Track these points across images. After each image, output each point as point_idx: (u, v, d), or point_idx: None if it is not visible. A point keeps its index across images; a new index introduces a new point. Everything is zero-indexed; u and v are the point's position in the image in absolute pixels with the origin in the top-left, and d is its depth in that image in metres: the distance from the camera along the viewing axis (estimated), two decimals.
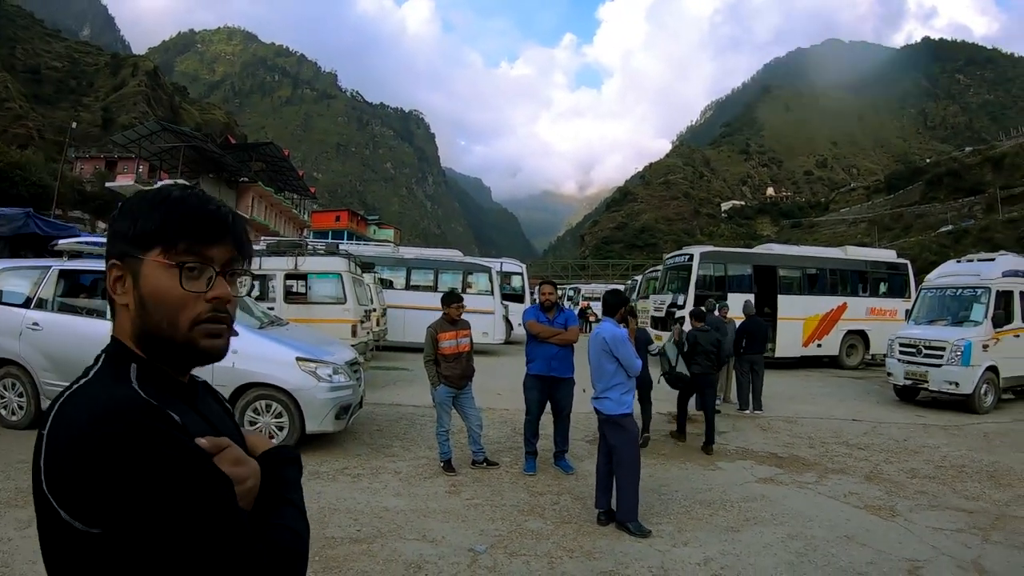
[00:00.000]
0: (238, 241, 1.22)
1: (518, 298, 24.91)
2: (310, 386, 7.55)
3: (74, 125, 60.62)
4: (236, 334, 7.01)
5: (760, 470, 7.79)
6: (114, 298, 1.17)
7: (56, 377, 7.97)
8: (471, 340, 7.48)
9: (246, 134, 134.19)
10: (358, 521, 5.54)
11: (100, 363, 1.15)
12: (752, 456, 8.52)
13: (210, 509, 0.98)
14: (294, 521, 1.16)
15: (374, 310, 16.79)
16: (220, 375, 7.39)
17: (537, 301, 7.67)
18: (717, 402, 11.61)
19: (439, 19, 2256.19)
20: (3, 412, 8.37)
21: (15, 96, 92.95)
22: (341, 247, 15.20)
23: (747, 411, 11.69)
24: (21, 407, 8.31)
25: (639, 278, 29.44)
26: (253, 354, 7.59)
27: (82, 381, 1.10)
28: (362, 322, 13.28)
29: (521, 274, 26.82)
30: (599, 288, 48.25)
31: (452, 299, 7.45)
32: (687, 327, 10.82)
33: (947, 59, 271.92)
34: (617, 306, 6.18)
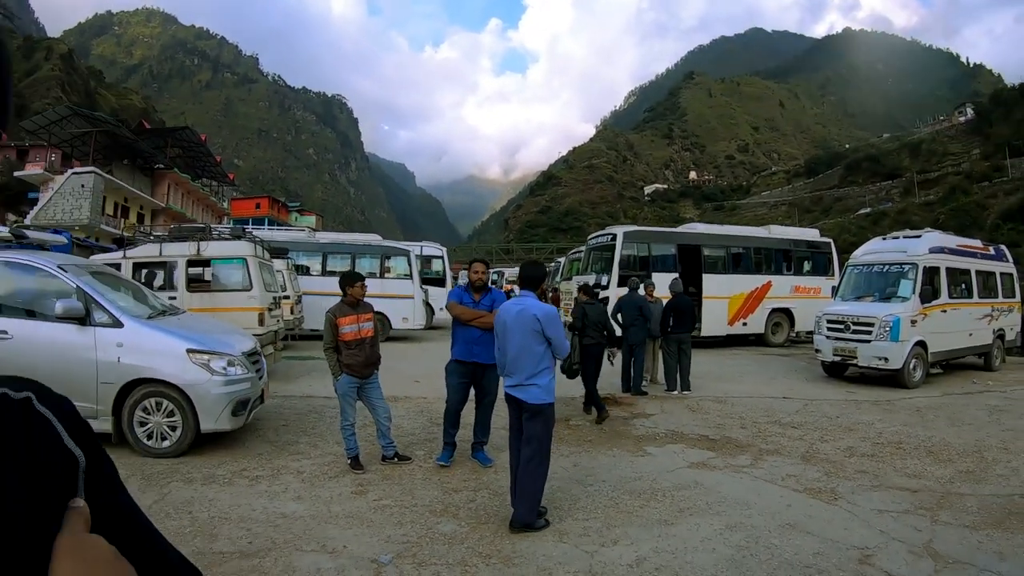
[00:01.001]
0: None
1: (439, 282, 24.81)
2: (202, 380, 6.90)
3: None
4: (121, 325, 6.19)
5: (692, 454, 7.37)
6: None
7: None
8: (375, 325, 6.90)
9: (164, 120, 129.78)
10: (251, 531, 4.96)
11: None
12: (683, 439, 8.11)
13: None
14: None
15: (286, 297, 16.11)
16: (105, 371, 6.83)
17: (459, 284, 7.14)
18: (644, 383, 11.43)
19: (365, 2, 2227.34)
20: None
21: None
22: (247, 231, 14.35)
23: (675, 392, 11.41)
24: None
25: (562, 260, 29.18)
26: (139, 347, 6.96)
27: None
28: (270, 310, 12.56)
29: (442, 257, 26.50)
30: (513, 271, 48.19)
31: (352, 279, 6.86)
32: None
33: (867, 49, 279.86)
34: (539, 280, 5.60)
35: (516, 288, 35.87)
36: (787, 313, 20.80)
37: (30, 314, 7.17)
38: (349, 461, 6.58)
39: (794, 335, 21.15)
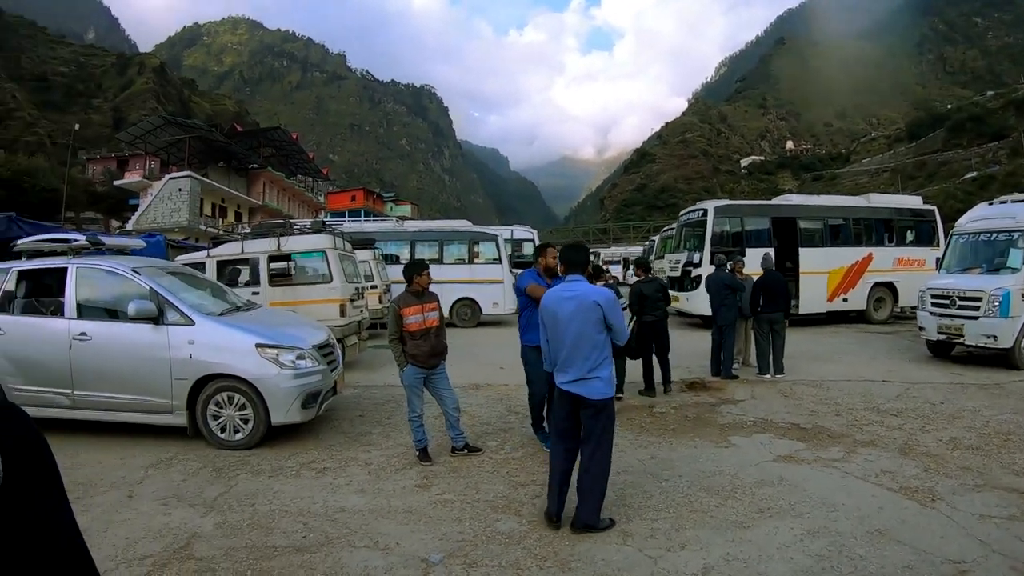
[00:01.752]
0: None
1: (531, 265, 24.26)
2: (272, 375, 6.91)
3: (76, 127, 60.40)
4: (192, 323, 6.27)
5: (779, 445, 6.76)
6: None
7: (20, 381, 7.53)
8: (440, 314, 6.71)
9: (258, 122, 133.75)
10: (307, 525, 4.88)
11: None
12: (771, 428, 7.49)
13: None
14: None
15: (373, 287, 16.22)
16: (178, 368, 6.97)
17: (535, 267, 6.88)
18: (735, 366, 10.95)
19: None
20: None
21: (24, 105, 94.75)
22: (327, 224, 14.48)
23: (767, 375, 10.75)
24: None
25: (656, 239, 28.54)
26: (210, 343, 7.07)
27: None
28: (353, 300, 12.60)
29: (532, 240, 26.12)
30: (619, 251, 47.79)
31: (417, 268, 6.67)
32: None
33: (964, 2, 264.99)
34: (584, 262, 5.14)
35: (609, 268, 35.65)
36: (890, 287, 19.72)
37: (109, 316, 7.45)
38: (417, 453, 6.44)
39: (898, 311, 20.04)
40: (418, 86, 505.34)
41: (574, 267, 4.99)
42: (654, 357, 9.67)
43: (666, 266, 20.47)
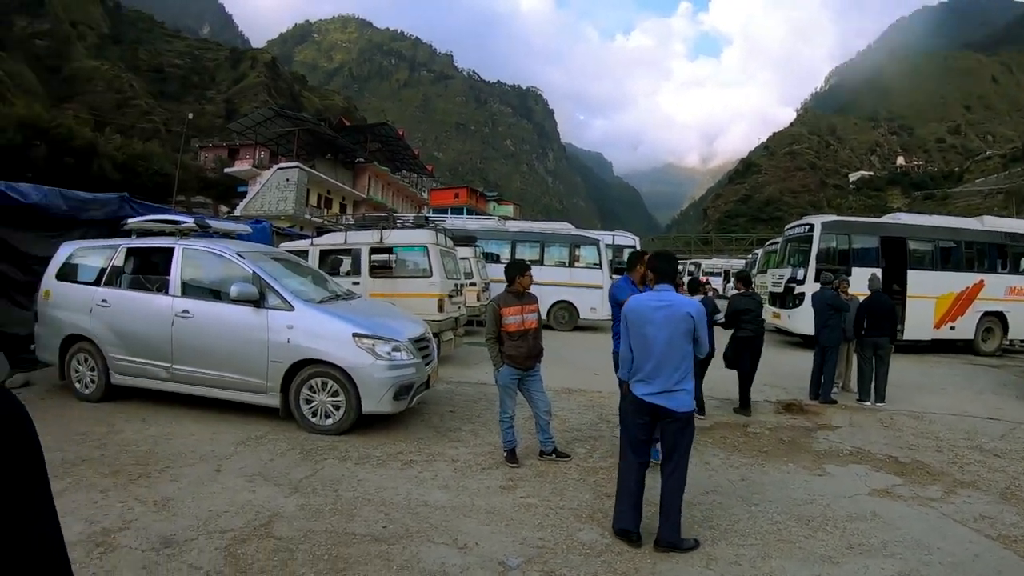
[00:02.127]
0: None
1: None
2: (367, 364, 7.00)
3: (191, 116, 63.22)
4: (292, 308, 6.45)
5: (875, 478, 6.38)
6: None
7: (124, 353, 8.00)
8: (539, 316, 6.64)
9: (365, 117, 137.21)
10: (388, 516, 4.90)
11: None
12: (868, 459, 7.09)
13: None
14: None
15: (472, 284, 16.28)
16: (275, 351, 7.17)
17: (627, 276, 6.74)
18: (835, 391, 10.53)
19: None
20: (77, 385, 8.36)
21: (141, 94, 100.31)
22: (430, 219, 14.61)
23: (867, 402, 10.22)
24: (93, 381, 8.26)
25: (759, 252, 27.80)
26: (308, 329, 7.23)
27: None
28: (451, 296, 12.68)
29: (634, 246, 25.78)
30: (720, 263, 46.98)
31: (520, 268, 6.59)
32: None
33: None
34: (674, 272, 4.97)
35: (709, 280, 35.00)
36: (1000, 317, 18.53)
37: (212, 296, 7.75)
38: (505, 454, 6.39)
39: (1007, 343, 18.88)
40: (524, 87, 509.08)
41: (664, 276, 4.87)
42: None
43: (769, 281, 19.90)
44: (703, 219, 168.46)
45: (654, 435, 4.82)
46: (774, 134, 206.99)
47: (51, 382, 9.07)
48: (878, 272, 13.93)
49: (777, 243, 21.87)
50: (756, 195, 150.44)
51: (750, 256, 32.39)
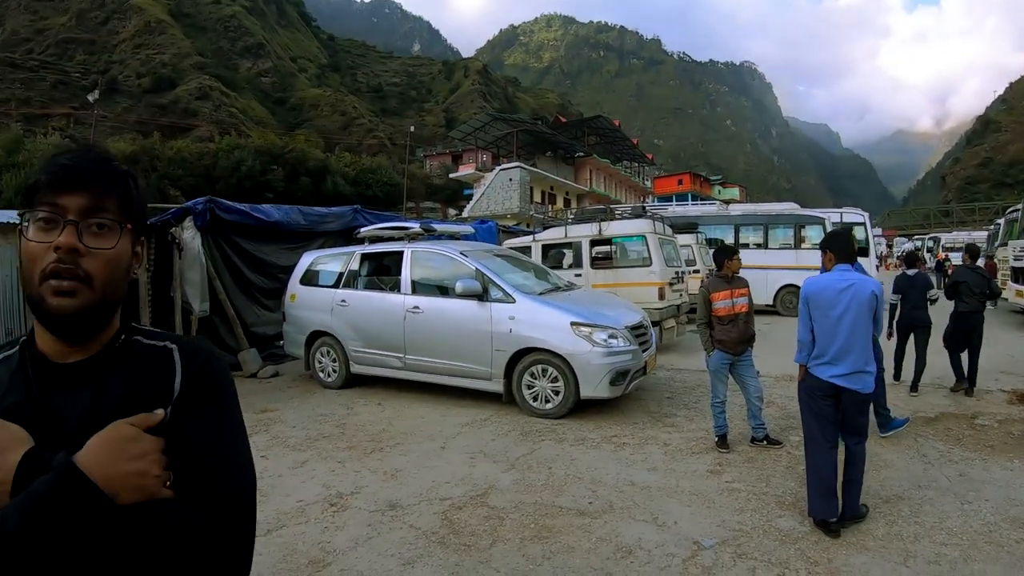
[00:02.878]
0: (102, 188, 1.11)
1: (862, 252, 22.26)
2: (584, 351, 7.25)
3: (412, 129, 67.04)
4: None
5: None
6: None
7: (361, 345, 9.03)
8: (750, 300, 6.56)
9: (581, 112, 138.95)
10: (595, 493, 5.10)
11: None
12: None
13: None
14: None
15: (695, 271, 16.12)
16: (498, 340, 7.68)
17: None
18: None
19: None
20: (321, 375, 9.55)
21: (364, 114, 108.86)
22: (648, 209, 14.63)
23: None
24: (335, 371, 9.43)
25: (1000, 222, 24.77)
26: (529, 320, 7.64)
27: None
28: (672, 284, 12.69)
29: (864, 224, 24.14)
30: (962, 236, 42.85)
31: (726, 253, 6.57)
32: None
33: None
34: (852, 253, 4.82)
35: (949, 256, 32.07)
36: None
37: (440, 292, 8.48)
38: (716, 439, 6.36)
39: None
40: (738, 63, 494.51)
41: (842, 256, 4.78)
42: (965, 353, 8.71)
43: (1011, 255, 17.71)
44: (942, 188, 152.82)
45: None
46: (1011, 84, 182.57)
47: (297, 372, 10.40)
48: None
49: (1019, 211, 19.51)
50: (998, 156, 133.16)
51: (992, 227, 28.82)
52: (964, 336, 8.68)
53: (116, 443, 1.01)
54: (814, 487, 4.60)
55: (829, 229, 19.28)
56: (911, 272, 8.77)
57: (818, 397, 4.66)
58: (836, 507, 4.48)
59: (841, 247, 4.82)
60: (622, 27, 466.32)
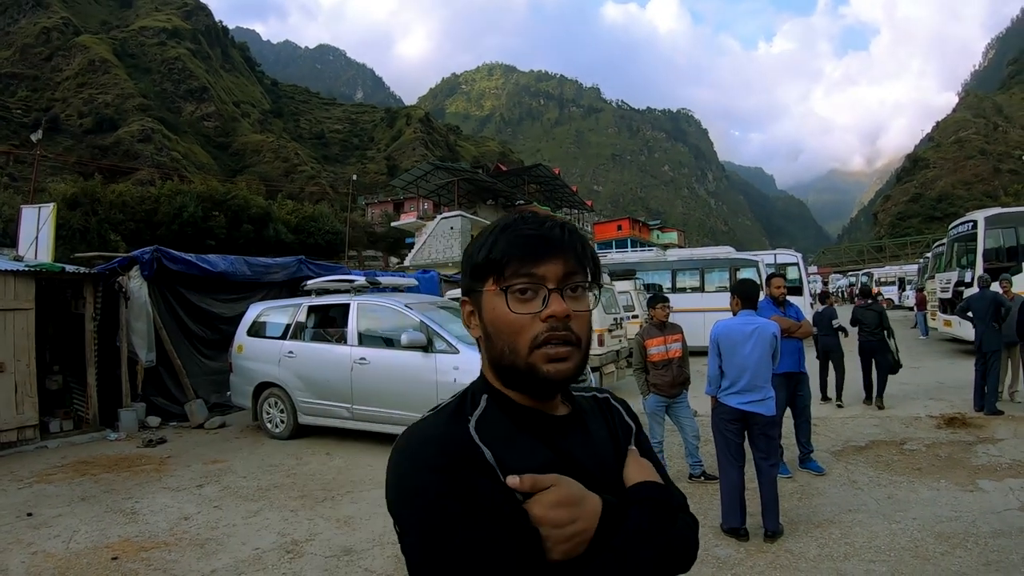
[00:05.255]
0: (573, 255, 1.15)
1: (796, 291, 22.96)
2: None
3: (355, 177, 67.28)
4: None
5: None
6: (470, 333, 1.20)
7: (309, 396, 9.23)
8: (684, 345, 6.94)
9: (522, 160, 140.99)
10: None
11: (455, 397, 1.19)
12: None
13: (441, 552, 0.97)
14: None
15: (634, 317, 16.47)
16: (443, 390, 7.80)
17: (765, 295, 6.95)
18: (1001, 396, 9.88)
19: (687, 13, 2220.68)
20: (269, 425, 9.68)
21: (306, 160, 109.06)
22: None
23: None
24: (283, 421, 9.57)
25: (929, 255, 25.68)
26: (473, 369, 7.23)
27: (430, 412, 1.17)
28: (611, 330, 13.06)
29: (797, 264, 25.00)
30: (894, 271, 44.58)
31: (656, 301, 7.03)
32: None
33: None
34: (756, 299, 5.57)
35: (882, 292, 33.24)
36: None
37: (385, 344, 8.73)
38: None
39: None
40: (674, 110, 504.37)
41: (747, 302, 5.49)
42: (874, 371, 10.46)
43: (937, 287, 18.57)
44: (874, 224, 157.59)
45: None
46: (937, 123, 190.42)
47: (245, 423, 10.49)
48: None
49: (944, 244, 20.27)
50: (927, 192, 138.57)
51: (922, 260, 30.03)
52: (866, 360, 10.50)
53: (651, 471, 1.20)
54: (725, 501, 5.30)
55: (763, 271, 19.93)
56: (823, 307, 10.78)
57: (728, 422, 5.34)
58: (742, 517, 5.25)
59: (747, 294, 5.53)
60: (562, 76, 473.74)
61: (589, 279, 1.17)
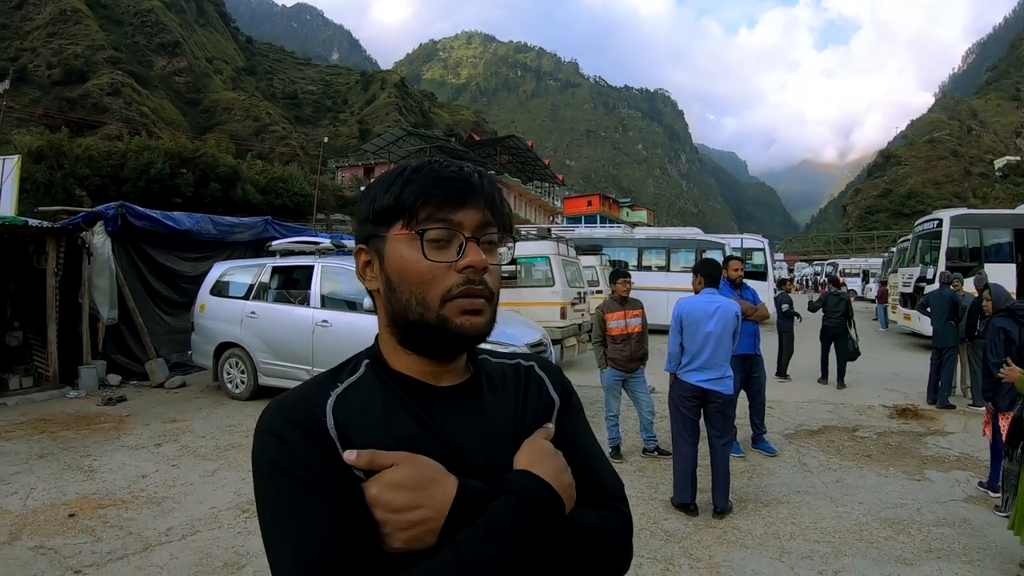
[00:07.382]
0: (490, 204, 1.05)
1: (760, 276, 23.15)
2: None
3: (326, 140, 66.55)
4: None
5: (974, 486, 6.12)
6: (365, 285, 1.08)
7: (270, 357, 9.23)
8: (643, 320, 7.02)
9: (496, 130, 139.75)
10: None
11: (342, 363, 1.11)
12: (974, 466, 6.76)
13: (278, 523, 0.89)
14: (433, 571, 0.87)
15: (598, 292, 16.59)
16: None
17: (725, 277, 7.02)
18: (954, 391, 10.20)
19: None
20: (229, 386, 9.72)
21: (278, 120, 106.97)
22: (552, 231, 15.07)
23: (981, 408, 9.23)
24: (243, 382, 9.61)
25: (894, 250, 26.23)
26: None
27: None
28: (573, 304, 13.16)
29: (763, 249, 25.20)
30: (859, 263, 45.40)
31: (618, 276, 7.10)
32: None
33: None
34: (718, 279, 5.70)
35: (847, 283, 33.70)
36: None
37: (348, 307, 8.77)
38: (610, 450, 6.77)
39: None
40: (652, 90, 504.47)
41: (711, 281, 5.60)
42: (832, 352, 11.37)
43: (899, 281, 18.84)
44: (843, 216, 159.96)
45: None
46: (912, 122, 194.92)
47: (205, 383, 10.52)
48: (983, 272, 12.83)
49: (908, 240, 20.70)
50: (897, 188, 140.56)
51: (887, 254, 30.66)
52: (827, 342, 11.46)
53: (550, 457, 1.01)
54: (677, 476, 5.44)
55: (728, 253, 20.05)
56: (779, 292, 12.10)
57: (686, 399, 5.41)
58: (693, 493, 5.39)
59: (710, 273, 5.65)
60: (541, 48, 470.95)
61: (503, 232, 1.08)
